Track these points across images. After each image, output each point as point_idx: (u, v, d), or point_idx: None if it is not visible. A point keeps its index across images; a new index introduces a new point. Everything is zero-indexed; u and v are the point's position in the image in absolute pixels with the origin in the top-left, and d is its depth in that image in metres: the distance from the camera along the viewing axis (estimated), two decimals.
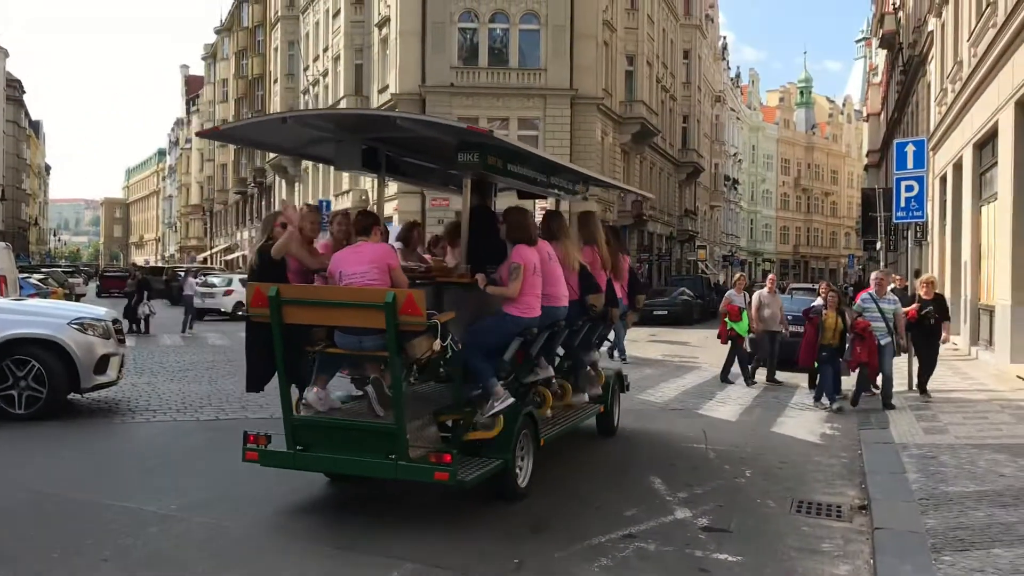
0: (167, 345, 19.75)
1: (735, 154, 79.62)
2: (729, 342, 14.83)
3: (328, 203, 37.74)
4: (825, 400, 11.86)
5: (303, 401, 6.61)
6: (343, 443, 6.34)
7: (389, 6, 36.87)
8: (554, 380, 8.28)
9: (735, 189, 79.01)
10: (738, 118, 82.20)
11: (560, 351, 8.65)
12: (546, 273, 7.14)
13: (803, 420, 11.15)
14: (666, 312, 30.55)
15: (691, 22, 56.71)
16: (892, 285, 13.65)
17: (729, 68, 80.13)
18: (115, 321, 10.93)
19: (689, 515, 6.59)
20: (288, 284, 6.37)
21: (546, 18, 35.24)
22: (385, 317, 5.83)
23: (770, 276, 16.41)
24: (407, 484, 6.80)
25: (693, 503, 6.92)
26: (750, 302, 14.75)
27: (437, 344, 6.22)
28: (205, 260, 76.84)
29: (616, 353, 17.40)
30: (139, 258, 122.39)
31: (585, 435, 9.46)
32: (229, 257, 71.89)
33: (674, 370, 16.49)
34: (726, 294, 15.57)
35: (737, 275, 15.97)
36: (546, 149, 34.74)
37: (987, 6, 16.03)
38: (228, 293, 30.67)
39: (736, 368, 14.69)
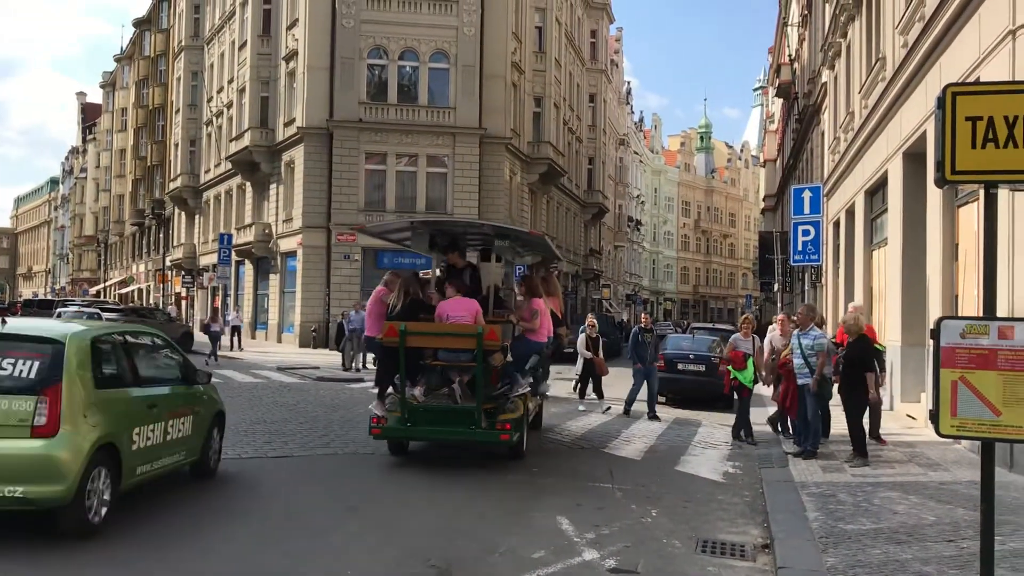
0: None
1: (638, 196, 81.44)
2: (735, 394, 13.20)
3: (230, 236, 36.98)
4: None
5: (408, 394, 9.92)
6: (437, 420, 9.99)
7: (297, 40, 36.57)
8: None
9: (638, 230, 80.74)
10: (641, 161, 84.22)
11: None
12: (544, 315, 10.99)
13: (706, 458, 11.32)
14: (572, 350, 30.57)
15: (597, 67, 58.01)
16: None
17: (633, 112, 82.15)
18: None
19: (596, 556, 6.58)
20: (413, 321, 9.97)
21: (455, 58, 35.48)
22: (477, 342, 9.50)
23: (779, 316, 13.78)
24: (312, 524, 6.61)
25: (600, 544, 6.92)
26: (760, 347, 12.95)
27: (509, 357, 10.30)
28: (98, 293, 74.00)
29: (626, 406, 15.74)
30: (27, 290, 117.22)
31: (492, 470, 9.41)
32: (124, 290, 69.42)
33: (580, 407, 16.58)
34: (731, 338, 13.61)
35: (743, 316, 14.12)
36: (455, 186, 34.90)
37: (876, 61, 16.84)
38: None
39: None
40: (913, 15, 13.79)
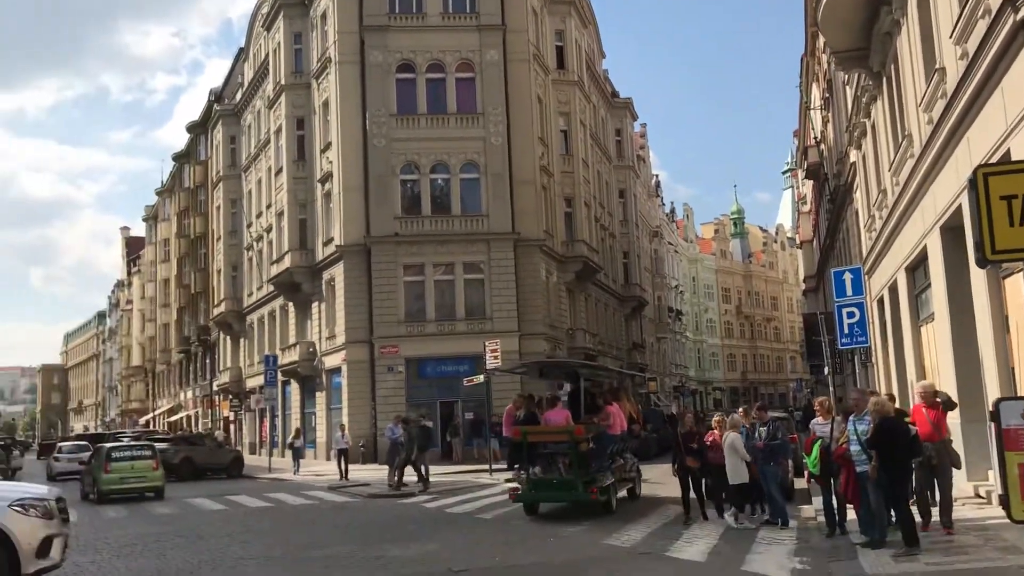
0: (111, 518, 18.92)
1: (676, 286, 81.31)
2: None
3: (275, 357, 37.34)
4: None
5: (531, 472, 15.77)
6: (551, 488, 15.72)
7: (331, 162, 37.69)
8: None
9: (679, 320, 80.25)
10: (676, 251, 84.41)
11: None
12: (617, 416, 16.58)
13: (772, 555, 10.97)
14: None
15: (624, 163, 58.86)
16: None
17: (664, 204, 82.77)
18: (59, 500, 10.41)
19: None
20: (531, 425, 16.11)
21: (485, 167, 36.29)
22: (569, 435, 15.41)
23: (817, 400, 13.22)
24: None
25: None
26: (843, 429, 11.17)
27: (591, 445, 15.66)
28: (148, 423, 74.71)
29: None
30: (78, 424, 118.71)
31: None
32: (173, 418, 70.07)
33: (639, 509, 16.23)
34: (811, 423, 12.62)
35: (819, 399, 13.26)
36: (492, 291, 35.28)
37: (903, 138, 16.91)
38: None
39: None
40: (935, 92, 13.89)
